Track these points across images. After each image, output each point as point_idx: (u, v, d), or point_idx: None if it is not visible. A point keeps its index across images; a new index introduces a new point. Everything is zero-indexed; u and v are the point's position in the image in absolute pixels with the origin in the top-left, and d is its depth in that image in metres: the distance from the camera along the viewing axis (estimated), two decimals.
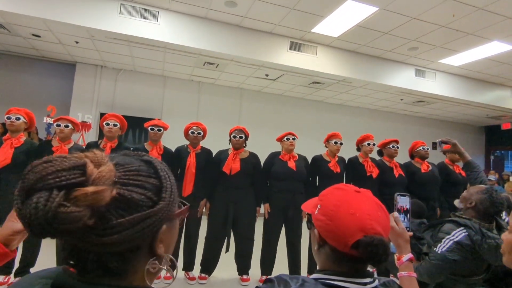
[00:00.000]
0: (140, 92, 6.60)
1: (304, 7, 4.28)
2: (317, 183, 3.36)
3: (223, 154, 3.07)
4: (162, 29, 4.58)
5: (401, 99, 7.22)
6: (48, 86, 6.22)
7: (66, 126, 2.74)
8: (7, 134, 2.70)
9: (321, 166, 3.28)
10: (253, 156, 3.13)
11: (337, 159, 3.33)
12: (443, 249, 1.67)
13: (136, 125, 5.96)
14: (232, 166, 2.91)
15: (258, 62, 5.40)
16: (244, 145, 3.10)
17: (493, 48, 5.03)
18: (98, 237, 0.45)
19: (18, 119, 2.67)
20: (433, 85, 6.21)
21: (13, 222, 0.73)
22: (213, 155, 3.21)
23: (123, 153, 0.58)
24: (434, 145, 2.44)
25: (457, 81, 6.41)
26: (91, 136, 5.83)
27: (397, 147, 3.44)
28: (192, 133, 3.07)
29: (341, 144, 3.33)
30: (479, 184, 1.97)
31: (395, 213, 1.08)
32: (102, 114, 6.07)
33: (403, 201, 1.26)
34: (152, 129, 3.02)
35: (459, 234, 1.67)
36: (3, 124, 4.91)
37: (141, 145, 3.10)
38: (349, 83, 6.23)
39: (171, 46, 4.87)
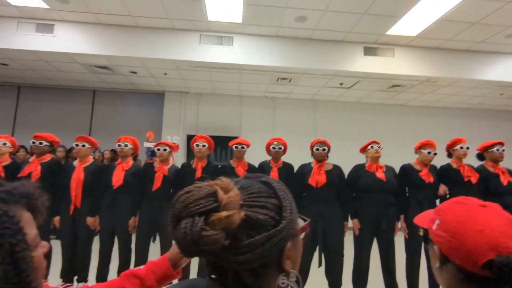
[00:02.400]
0: (220, 113, 7.07)
1: (376, 11, 4.11)
2: (407, 194, 3.11)
3: (306, 167, 3.06)
4: (237, 53, 4.88)
5: (501, 94, 6.28)
6: (143, 114, 7.11)
7: (165, 150, 3.09)
8: (119, 159, 3.15)
9: (412, 176, 3.03)
10: (337, 168, 3.06)
11: (429, 167, 3.04)
12: None
13: (218, 143, 6.36)
14: (318, 178, 2.88)
15: (331, 72, 5.33)
16: (326, 157, 3.05)
17: None
18: (233, 256, 0.50)
19: (126, 145, 3.10)
20: None
21: None
22: (294, 169, 3.23)
23: (244, 177, 0.63)
24: None
25: None
26: (179, 156, 6.41)
27: (503, 150, 2.98)
28: (274, 148, 3.15)
29: (435, 154, 3.03)
30: None
31: None
32: (188, 136, 6.67)
33: None
34: (236, 147, 3.20)
35: None
36: (112, 151, 5.76)
37: (227, 163, 3.29)
38: (434, 82, 5.69)
39: (246, 67, 5.14)
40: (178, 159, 5.98)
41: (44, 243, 0.60)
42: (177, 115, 6.93)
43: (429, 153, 3.00)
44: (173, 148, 3.22)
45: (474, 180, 2.92)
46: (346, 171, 3.14)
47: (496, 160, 2.99)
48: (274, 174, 3.05)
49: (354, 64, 5.06)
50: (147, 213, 3.01)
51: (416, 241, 2.90)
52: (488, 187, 2.94)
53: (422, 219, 0.82)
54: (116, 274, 2.99)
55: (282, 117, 7.19)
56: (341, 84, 6.06)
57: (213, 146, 3.25)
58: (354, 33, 4.77)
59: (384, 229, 2.84)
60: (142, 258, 2.97)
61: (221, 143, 6.09)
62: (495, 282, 0.65)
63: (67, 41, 4.70)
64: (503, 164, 3.06)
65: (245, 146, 3.21)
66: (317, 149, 3.00)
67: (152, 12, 4.39)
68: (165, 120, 6.89)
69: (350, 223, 2.99)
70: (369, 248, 2.94)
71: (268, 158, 3.28)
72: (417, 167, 3.07)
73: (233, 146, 3.22)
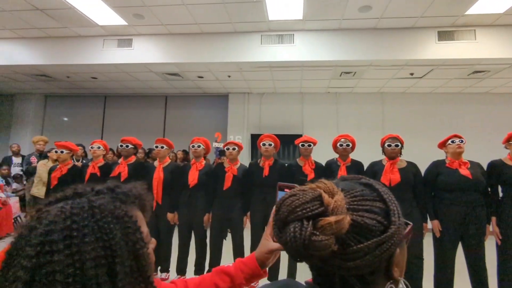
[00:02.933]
0: (282, 111, 7.11)
1: None
2: (501, 194, 2.75)
3: (377, 165, 2.92)
4: (299, 49, 4.85)
5: None
6: (210, 116, 7.51)
7: (234, 149, 3.23)
8: (193, 159, 3.39)
9: (504, 173, 2.68)
10: (412, 165, 2.85)
11: None
12: None
13: (281, 142, 6.42)
14: (391, 177, 2.72)
15: (400, 62, 4.97)
16: (400, 154, 2.86)
17: None
18: (342, 262, 0.49)
19: (199, 146, 3.32)
20: None
21: (268, 241, 0.74)
22: (364, 167, 3.10)
23: (341, 178, 0.62)
24: None
25: None
26: (244, 155, 6.61)
27: None
28: (341, 145, 3.07)
29: None
30: None
31: None
32: (252, 135, 6.84)
33: None
34: (302, 145, 3.19)
35: None
36: (184, 151, 6.20)
37: (293, 161, 3.30)
38: None
39: (308, 63, 5.07)
40: (243, 158, 6.17)
41: (153, 239, 0.65)
42: (240, 115, 7.16)
43: None
44: (241, 147, 3.34)
45: None
46: (421, 168, 2.91)
47: None
48: (342, 173, 2.97)
49: (426, 51, 4.65)
50: (219, 210, 3.18)
51: None
52: None
53: None
54: (193, 267, 3.22)
55: (346, 113, 6.93)
56: (412, 74, 5.61)
57: (279, 145, 3.29)
58: (426, 17, 4.38)
59: (472, 233, 2.56)
60: (216, 252, 3.15)
61: (284, 141, 6.09)
62: None
63: (143, 52, 5.19)
64: None
65: (311, 144, 3.18)
66: (389, 145, 2.83)
67: (216, 18, 4.60)
68: (230, 120, 7.17)
69: (429, 224, 2.77)
70: (454, 253, 2.68)
71: (335, 156, 3.20)
72: (510, 162, 2.70)
73: (300, 144, 3.21)
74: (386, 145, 2.86)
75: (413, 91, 6.65)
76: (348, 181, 0.60)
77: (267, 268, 0.80)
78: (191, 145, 3.35)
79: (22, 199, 5.61)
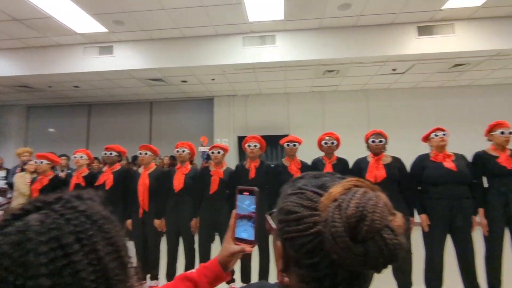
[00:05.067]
0: (268, 112, 7.11)
1: None
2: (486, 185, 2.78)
3: (362, 162, 2.92)
4: (280, 50, 4.85)
5: None
6: (196, 120, 7.46)
7: (219, 152, 3.19)
8: (178, 164, 3.34)
9: (488, 164, 2.71)
10: (396, 160, 2.86)
11: (509, 152, 2.69)
12: None
13: (267, 143, 6.38)
14: (376, 173, 2.73)
15: (382, 58, 5.02)
16: (384, 149, 2.87)
17: None
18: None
19: (184, 151, 3.27)
20: None
21: (230, 245, 0.75)
22: (350, 164, 3.11)
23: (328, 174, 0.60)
24: None
25: None
26: (231, 157, 6.57)
27: None
28: (326, 143, 3.06)
29: (510, 133, 2.68)
30: None
31: None
32: (239, 137, 6.81)
33: None
34: (288, 145, 3.17)
35: None
36: (171, 157, 6.12)
37: (279, 162, 3.29)
38: (506, 55, 5.03)
39: (290, 63, 5.08)
40: (230, 160, 6.14)
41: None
42: (226, 118, 7.13)
43: (502, 133, 2.67)
44: (226, 150, 3.31)
45: None
46: (407, 162, 2.93)
47: None
48: (328, 171, 2.96)
49: (407, 47, 4.71)
50: (206, 214, 3.13)
51: (499, 238, 2.59)
52: None
53: None
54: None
55: (332, 111, 6.97)
56: (394, 70, 5.68)
57: (265, 146, 3.27)
58: (405, 13, 4.44)
59: (460, 225, 2.58)
60: (205, 257, 3.11)
61: (271, 142, 6.08)
62: None
63: (125, 59, 5.12)
64: None
65: (296, 144, 3.17)
66: (373, 141, 2.84)
67: (197, 22, 4.57)
68: (216, 123, 7.13)
69: (417, 218, 2.78)
70: (442, 246, 2.69)
71: (321, 154, 3.19)
72: (494, 153, 2.73)
73: (285, 144, 3.20)
74: (370, 141, 2.87)
75: (397, 86, 6.73)
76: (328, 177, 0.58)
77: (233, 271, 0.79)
78: (175, 150, 3.31)
79: None
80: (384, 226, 0.46)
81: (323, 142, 3.08)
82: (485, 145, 2.86)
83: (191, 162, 4.48)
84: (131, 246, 3.28)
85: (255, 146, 3.17)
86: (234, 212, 0.76)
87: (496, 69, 5.72)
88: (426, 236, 2.74)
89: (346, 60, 5.01)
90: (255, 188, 0.74)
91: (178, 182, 3.16)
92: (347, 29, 4.80)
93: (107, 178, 3.30)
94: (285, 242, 0.55)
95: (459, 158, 2.75)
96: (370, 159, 2.87)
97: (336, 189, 0.50)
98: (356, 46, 4.78)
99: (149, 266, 3.23)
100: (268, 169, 3.18)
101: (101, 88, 6.47)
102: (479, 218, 2.68)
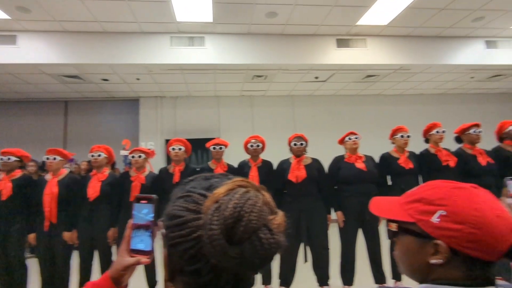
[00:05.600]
0: (198, 115, 6.98)
1: (345, 1, 4.14)
2: (390, 183, 3.14)
3: (285, 163, 3.04)
4: (210, 53, 4.81)
5: (472, 77, 6.47)
6: (119, 122, 6.93)
7: (140, 156, 3.00)
8: (93, 170, 3.04)
9: (391, 164, 3.06)
10: (316, 162, 3.05)
11: (407, 154, 3.08)
12: None
13: (198, 146, 6.27)
14: (297, 174, 2.86)
15: (305, 66, 5.34)
16: (305, 151, 3.04)
17: None
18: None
19: (99, 155, 2.99)
20: (510, 55, 5.46)
21: (123, 258, 0.70)
22: (274, 166, 3.20)
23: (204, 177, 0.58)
24: None
25: None
26: (159, 161, 6.28)
27: (480, 132, 3.05)
28: (251, 146, 3.11)
29: (408, 137, 3.08)
30: None
31: (509, 200, 0.92)
32: (166, 141, 6.53)
33: None
34: (214, 148, 3.14)
35: None
36: (89, 162, 5.57)
37: (205, 165, 3.23)
38: (407, 70, 5.80)
39: (219, 66, 5.08)
40: (158, 164, 5.85)
41: None
42: (153, 120, 6.79)
43: (402, 136, 3.04)
44: (149, 154, 3.13)
45: (452, 163, 2.95)
46: (328, 164, 3.14)
47: (473, 142, 3.04)
48: (253, 173, 3.01)
49: (328, 56, 5.09)
50: (126, 223, 2.90)
51: None
52: (467, 169, 2.98)
53: (389, 210, 0.71)
54: None
55: (261, 115, 7.17)
56: (317, 78, 6.10)
57: (190, 149, 3.18)
58: (326, 25, 4.80)
59: (368, 220, 2.85)
60: None
61: (201, 145, 5.99)
62: (493, 267, 0.61)
63: (32, 51, 4.51)
64: (480, 146, 3.12)
65: (223, 147, 3.16)
66: (295, 144, 2.99)
67: (119, 17, 4.27)
68: (142, 126, 6.73)
69: (334, 215, 3.00)
70: (355, 239, 2.95)
71: (248, 157, 3.24)
72: (395, 154, 3.10)
73: (211, 147, 3.16)
74: (292, 144, 3.01)
75: (319, 93, 7.24)
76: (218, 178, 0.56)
77: None
78: (90, 155, 3.01)
79: None
80: (262, 226, 0.45)
81: (249, 145, 3.12)
82: (390, 148, 3.23)
83: (112, 168, 4.14)
84: (35, 263, 2.88)
85: (180, 149, 3.06)
86: (129, 222, 0.70)
87: (400, 81, 6.55)
88: (342, 231, 2.97)
89: (274, 66, 5.20)
90: (154, 196, 0.69)
91: (93, 189, 2.87)
92: (274, 36, 4.99)
93: (3, 187, 2.83)
94: (170, 248, 0.51)
95: (369, 159, 3.06)
96: (292, 160, 3.00)
97: (220, 190, 0.49)
98: (282, 53, 4.99)
99: (56, 286, 2.86)
100: (194, 173, 3.09)
101: (2, 83, 5.59)
102: None
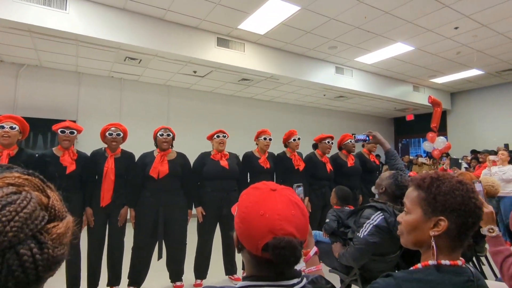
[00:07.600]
0: (50, 91, 5.82)
1: (229, 3, 4.23)
2: (249, 180, 3.37)
3: (148, 157, 2.84)
4: (72, 19, 4.08)
5: (324, 95, 7.71)
6: None
7: None
8: None
9: (252, 163, 3.29)
10: (181, 157, 2.97)
11: (267, 155, 3.37)
12: (365, 234, 1.79)
13: (46, 128, 5.23)
14: (160, 169, 2.71)
15: (184, 58, 5.19)
16: (171, 145, 2.92)
17: (397, 48, 5.68)
18: None
19: None
20: (351, 81, 6.78)
21: None
22: (136, 158, 2.96)
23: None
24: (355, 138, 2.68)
25: (370, 77, 7.10)
26: None
27: (331, 143, 3.62)
28: (110, 134, 2.77)
29: (270, 139, 3.38)
30: (395, 169, 2.15)
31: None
32: None
33: (300, 192, 1.22)
34: (63, 131, 2.65)
35: (377, 218, 1.81)
36: None
37: (48, 151, 2.69)
38: (276, 79, 6.42)
39: (84, 38, 4.37)
40: None
41: None
42: None
43: (265, 139, 3.33)
44: None
45: (301, 168, 3.41)
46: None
47: (325, 151, 3.59)
48: (109, 165, 2.69)
49: (207, 53, 5.10)
50: None
51: None
52: (313, 173, 3.49)
53: (235, 206, 0.80)
54: None
55: (131, 101, 6.58)
56: (195, 72, 6.03)
57: (27, 130, 2.59)
58: (208, 22, 4.79)
59: (226, 214, 2.97)
60: None
61: (48, 127, 5.05)
62: (275, 264, 0.68)
63: None
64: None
65: (74, 131, 2.70)
66: (162, 135, 2.83)
67: None
68: None
69: (194, 211, 3.00)
70: (212, 234, 3.04)
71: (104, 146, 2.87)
72: (257, 154, 3.35)
73: (58, 131, 2.65)
74: (158, 134, 2.85)
75: (197, 88, 7.20)
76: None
77: None
78: None
79: None
80: (27, 238, 0.36)
81: (107, 133, 2.77)
82: (254, 147, 3.47)
83: None
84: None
85: (12, 128, 2.45)
86: None
87: (270, 89, 7.20)
88: (200, 226, 3.01)
89: (149, 51, 4.84)
90: None
91: None
92: (153, 19, 4.64)
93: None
94: None
95: (232, 157, 3.20)
96: (157, 153, 2.84)
97: None
98: (160, 39, 4.70)
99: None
100: (30, 159, 2.53)
101: None
102: None
